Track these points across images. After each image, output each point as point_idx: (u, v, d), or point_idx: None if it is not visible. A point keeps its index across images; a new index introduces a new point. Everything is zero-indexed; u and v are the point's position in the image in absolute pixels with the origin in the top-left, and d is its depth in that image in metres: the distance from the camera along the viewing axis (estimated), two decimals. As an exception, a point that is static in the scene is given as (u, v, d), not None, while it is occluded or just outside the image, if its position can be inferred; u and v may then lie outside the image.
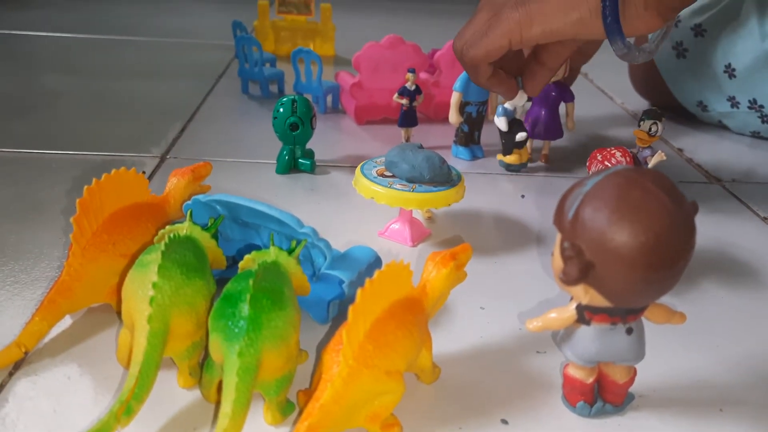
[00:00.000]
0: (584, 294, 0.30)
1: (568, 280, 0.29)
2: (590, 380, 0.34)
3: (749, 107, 0.79)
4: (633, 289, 0.29)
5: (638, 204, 0.28)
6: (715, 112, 0.83)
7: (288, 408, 0.34)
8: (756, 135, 0.83)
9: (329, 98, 0.84)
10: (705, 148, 0.79)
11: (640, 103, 0.95)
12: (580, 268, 0.28)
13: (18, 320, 0.40)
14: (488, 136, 0.71)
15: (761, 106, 0.78)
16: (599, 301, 0.30)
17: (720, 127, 0.86)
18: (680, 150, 0.78)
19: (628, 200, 0.28)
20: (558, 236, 0.31)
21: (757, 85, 0.77)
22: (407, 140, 0.72)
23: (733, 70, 0.78)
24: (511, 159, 0.67)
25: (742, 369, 0.40)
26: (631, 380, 0.35)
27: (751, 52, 0.76)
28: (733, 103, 0.80)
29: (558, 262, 0.30)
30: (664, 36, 0.45)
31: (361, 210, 0.57)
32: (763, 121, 0.80)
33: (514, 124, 0.63)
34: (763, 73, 0.76)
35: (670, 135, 0.82)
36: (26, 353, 0.36)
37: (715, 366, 0.40)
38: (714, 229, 0.58)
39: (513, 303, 0.45)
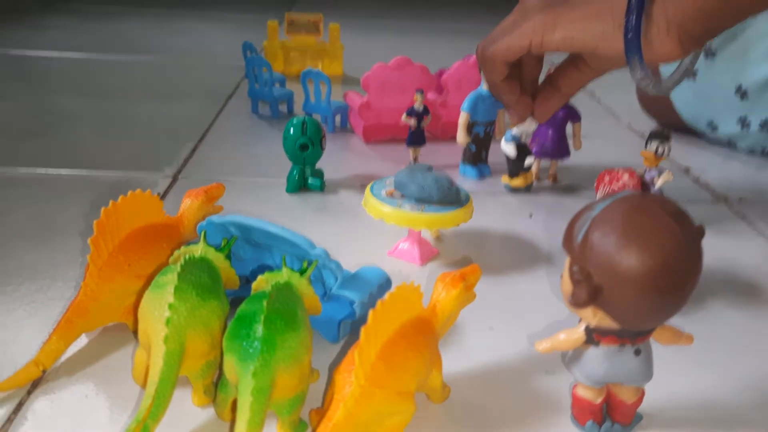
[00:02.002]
0: (593, 316, 0.31)
1: (577, 303, 0.30)
2: (599, 400, 0.35)
3: (761, 127, 0.79)
4: (641, 312, 0.29)
5: (646, 229, 0.28)
6: (725, 132, 0.84)
7: (301, 427, 0.34)
8: (767, 155, 0.84)
9: (338, 118, 0.85)
10: (713, 168, 0.80)
11: (647, 123, 0.95)
12: (588, 291, 0.29)
13: (36, 339, 0.40)
14: (495, 155, 0.72)
15: None
16: (608, 323, 0.31)
17: (729, 147, 0.86)
18: (688, 169, 0.78)
19: (636, 225, 0.28)
20: (567, 259, 0.31)
21: None
22: (415, 159, 0.73)
23: (745, 91, 0.78)
24: (516, 182, 0.67)
25: (750, 389, 0.40)
26: (640, 400, 0.35)
27: (762, 72, 0.76)
28: (744, 123, 0.81)
29: (567, 285, 0.31)
30: (683, 75, 0.46)
31: (370, 229, 0.57)
32: (774, 141, 0.80)
33: (521, 149, 0.64)
34: None
35: (678, 154, 0.82)
36: (44, 372, 0.37)
37: (724, 386, 0.40)
38: (721, 249, 0.58)
39: (522, 324, 0.45)
